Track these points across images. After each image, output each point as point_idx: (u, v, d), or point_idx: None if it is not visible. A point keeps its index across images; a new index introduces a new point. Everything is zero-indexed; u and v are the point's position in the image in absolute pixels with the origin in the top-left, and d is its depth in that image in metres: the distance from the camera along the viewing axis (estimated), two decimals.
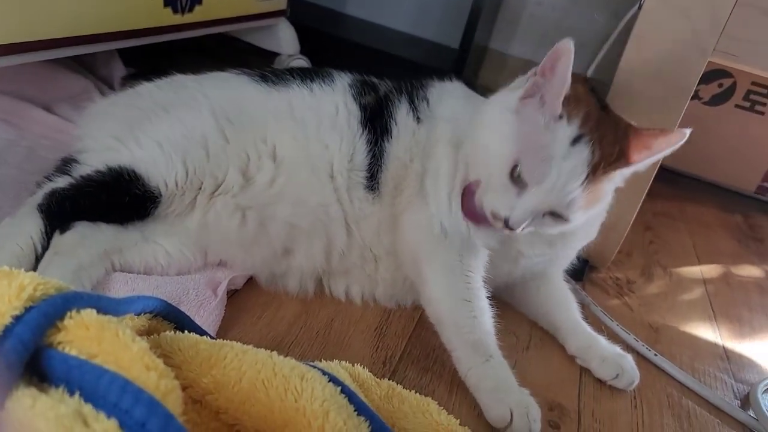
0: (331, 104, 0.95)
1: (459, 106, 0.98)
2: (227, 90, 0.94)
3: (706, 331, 1.16)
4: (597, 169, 0.80)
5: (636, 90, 1.08)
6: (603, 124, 0.82)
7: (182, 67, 1.00)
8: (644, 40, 1.06)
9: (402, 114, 0.96)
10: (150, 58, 1.41)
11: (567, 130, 0.80)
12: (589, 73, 1.85)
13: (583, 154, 0.80)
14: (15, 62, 0.95)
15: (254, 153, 0.89)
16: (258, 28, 1.60)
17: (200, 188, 0.87)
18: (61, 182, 0.82)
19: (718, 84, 1.78)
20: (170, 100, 0.92)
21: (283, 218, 0.90)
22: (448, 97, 1.00)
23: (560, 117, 0.80)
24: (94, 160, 0.84)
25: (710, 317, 1.21)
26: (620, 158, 0.82)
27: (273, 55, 1.67)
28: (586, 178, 0.80)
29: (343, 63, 1.07)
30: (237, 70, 0.99)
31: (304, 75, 0.98)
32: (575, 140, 0.80)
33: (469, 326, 0.84)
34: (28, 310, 0.43)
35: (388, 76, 1.05)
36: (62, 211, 0.79)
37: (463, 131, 0.92)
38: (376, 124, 0.95)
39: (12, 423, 0.36)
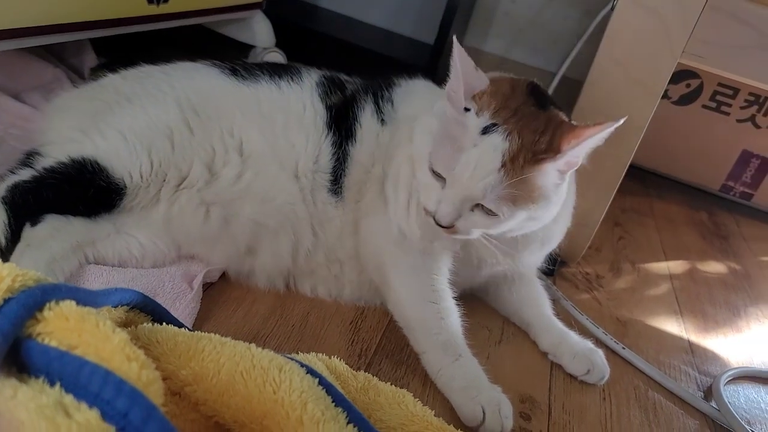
0: (299, 103, 0.94)
1: (422, 106, 0.93)
2: (194, 81, 0.93)
3: (672, 326, 1.19)
4: (516, 159, 0.77)
5: (608, 89, 1.10)
6: (526, 117, 0.79)
7: (156, 58, 0.99)
8: (616, 40, 1.08)
9: (366, 116, 0.95)
10: (124, 48, 1.39)
11: (475, 120, 0.78)
12: (562, 70, 1.88)
13: (494, 141, 0.77)
14: None
15: (221, 147, 0.88)
16: (233, 20, 1.58)
17: (165, 180, 0.86)
18: (24, 175, 0.80)
19: (686, 84, 1.82)
20: (135, 90, 0.90)
21: (247, 216, 0.89)
22: (412, 96, 1.00)
23: (466, 109, 0.79)
24: (57, 153, 0.83)
25: (676, 312, 1.24)
26: (548, 150, 0.78)
27: (248, 48, 1.66)
28: (503, 166, 0.76)
29: (319, 57, 1.07)
30: (207, 61, 0.98)
31: (273, 71, 0.97)
32: (486, 129, 0.77)
33: (437, 327, 0.85)
34: (6, 301, 0.43)
35: (362, 71, 1.04)
36: (26, 204, 0.78)
37: None
38: (341, 126, 0.94)
39: None
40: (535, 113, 0.81)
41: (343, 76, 1.02)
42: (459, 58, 0.78)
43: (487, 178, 0.76)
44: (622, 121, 0.77)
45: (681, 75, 1.80)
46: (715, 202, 1.92)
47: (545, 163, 0.77)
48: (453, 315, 0.88)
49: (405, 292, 0.89)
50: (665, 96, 1.81)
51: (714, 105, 1.83)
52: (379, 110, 0.96)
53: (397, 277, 0.90)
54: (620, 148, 1.13)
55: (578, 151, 0.78)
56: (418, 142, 0.85)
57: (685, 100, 1.84)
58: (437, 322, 0.86)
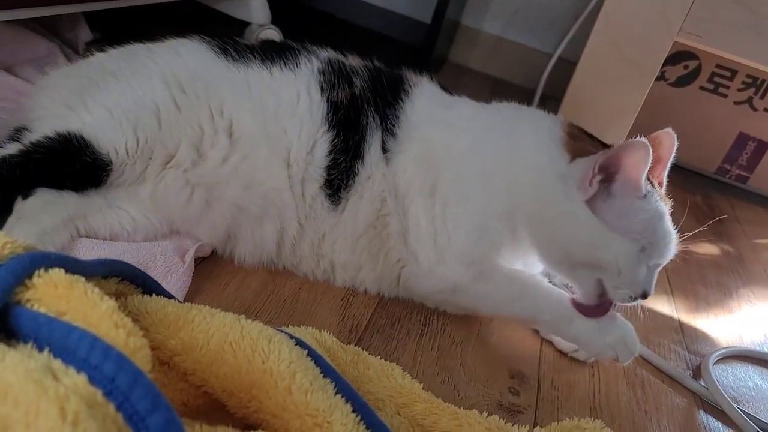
0: (292, 90, 0.91)
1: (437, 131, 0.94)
2: (180, 57, 0.91)
3: (663, 305, 1.20)
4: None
5: (602, 68, 1.10)
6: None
7: (149, 34, 0.99)
8: (612, 19, 1.08)
9: (376, 144, 0.92)
10: (117, 24, 1.38)
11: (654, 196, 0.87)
12: (558, 51, 1.87)
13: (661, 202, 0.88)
14: None
15: (209, 126, 0.87)
16: None
17: (151, 158, 0.85)
18: (12, 149, 0.80)
19: (683, 66, 1.82)
20: (120, 67, 0.89)
21: (230, 200, 0.88)
22: (426, 120, 0.95)
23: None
24: (43, 127, 0.83)
25: (667, 292, 1.25)
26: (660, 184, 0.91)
27: (244, 25, 1.65)
28: None
29: (314, 35, 1.06)
30: (196, 36, 0.96)
31: (265, 55, 0.93)
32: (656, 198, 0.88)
33: (537, 312, 0.92)
34: None
35: (358, 49, 1.02)
36: (14, 178, 0.78)
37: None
38: (349, 136, 0.90)
39: None
40: None
41: (350, 63, 0.97)
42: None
43: None
44: None
45: (679, 56, 1.79)
46: (711, 184, 1.92)
47: None
48: (534, 286, 0.92)
49: (490, 304, 0.93)
50: (662, 77, 1.80)
51: (712, 87, 1.83)
52: (387, 137, 0.92)
53: (474, 300, 0.93)
54: (613, 129, 1.13)
55: None
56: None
57: (683, 81, 1.84)
58: (533, 309, 0.92)
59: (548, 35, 2.07)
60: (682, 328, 1.15)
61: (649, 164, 0.81)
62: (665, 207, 0.88)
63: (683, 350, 1.08)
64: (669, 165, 0.92)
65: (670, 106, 1.84)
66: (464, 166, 0.91)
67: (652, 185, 0.88)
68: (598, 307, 0.89)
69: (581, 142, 0.90)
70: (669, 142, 0.90)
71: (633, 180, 0.83)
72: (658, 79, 1.09)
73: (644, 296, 0.87)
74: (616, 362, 0.90)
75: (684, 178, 1.90)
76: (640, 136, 0.81)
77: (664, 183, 0.93)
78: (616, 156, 0.82)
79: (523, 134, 0.94)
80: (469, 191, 0.91)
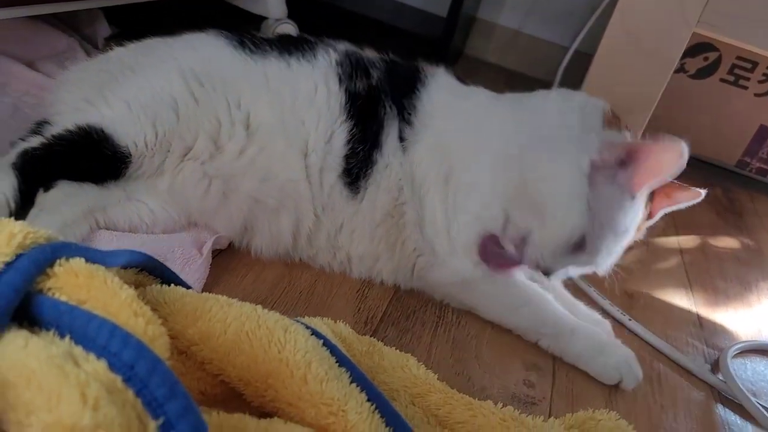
0: (309, 82, 0.91)
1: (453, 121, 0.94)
2: (199, 51, 0.92)
3: (681, 299, 1.19)
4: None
5: (619, 61, 1.10)
6: None
7: (166, 29, 0.99)
8: (629, 10, 1.07)
9: (393, 134, 0.92)
10: (136, 19, 1.39)
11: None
12: (576, 44, 1.86)
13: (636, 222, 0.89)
14: None
15: (227, 119, 0.87)
16: None
17: (169, 151, 0.86)
18: (34, 142, 0.81)
19: (703, 57, 1.79)
20: (139, 61, 0.91)
21: (247, 192, 0.88)
22: (441, 109, 0.95)
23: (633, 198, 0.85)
24: (64, 121, 0.84)
25: (685, 285, 1.24)
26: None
27: (260, 20, 1.65)
28: None
29: (330, 28, 1.06)
30: (214, 30, 0.96)
31: (282, 48, 0.94)
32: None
33: (539, 323, 0.92)
34: (18, 257, 0.44)
35: (374, 43, 1.03)
36: (36, 171, 0.79)
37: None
38: (367, 126, 0.91)
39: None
40: None
41: (367, 56, 0.97)
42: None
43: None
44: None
45: (698, 48, 1.77)
46: (731, 177, 1.90)
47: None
48: (540, 299, 0.93)
49: (492, 307, 0.94)
50: (682, 70, 1.78)
51: (732, 79, 1.80)
52: (404, 126, 0.93)
53: (477, 300, 0.95)
54: (631, 122, 1.12)
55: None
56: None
57: (703, 73, 1.81)
58: (535, 319, 0.92)
59: (565, 28, 2.06)
60: (700, 321, 1.14)
61: (665, 177, 0.81)
62: (633, 230, 0.88)
63: (701, 344, 1.07)
64: (673, 208, 0.92)
65: (690, 99, 1.82)
66: (476, 156, 0.92)
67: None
68: (502, 260, 0.89)
69: (621, 126, 0.91)
70: (692, 196, 0.91)
71: (640, 179, 0.83)
72: (677, 71, 1.08)
73: (546, 273, 0.87)
74: (620, 387, 0.90)
75: (703, 172, 1.88)
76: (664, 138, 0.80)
77: (655, 218, 0.93)
78: (645, 149, 0.82)
79: (543, 104, 0.94)
80: (479, 181, 0.91)
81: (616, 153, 0.83)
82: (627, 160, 0.84)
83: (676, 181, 0.89)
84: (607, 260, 0.88)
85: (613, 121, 0.89)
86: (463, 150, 0.92)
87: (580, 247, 0.85)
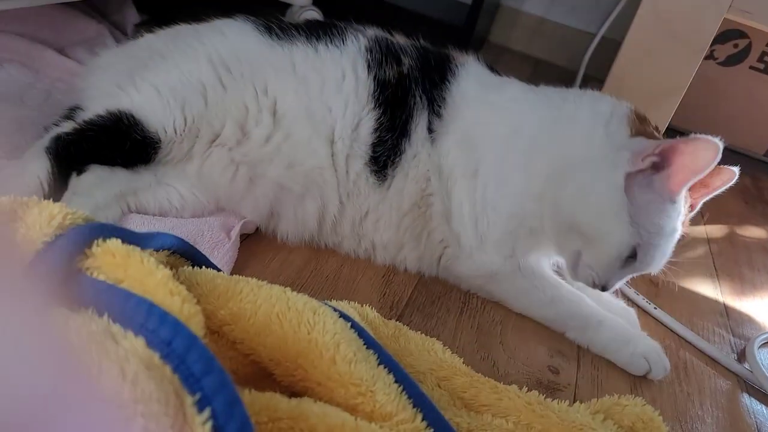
0: (337, 68, 0.91)
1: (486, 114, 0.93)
2: (226, 37, 0.92)
3: (707, 288, 1.18)
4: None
5: (649, 46, 1.08)
6: None
7: (194, 15, 1.00)
8: None
9: (423, 124, 0.92)
10: (163, 5, 1.41)
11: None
12: (602, 31, 1.84)
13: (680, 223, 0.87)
14: (30, 4, 0.95)
15: (254, 105, 0.88)
16: None
17: (197, 136, 0.87)
18: (66, 127, 0.83)
19: (733, 44, 1.77)
20: (168, 47, 0.91)
21: (272, 178, 0.89)
22: (470, 100, 0.94)
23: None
24: (95, 106, 0.85)
25: (712, 275, 1.23)
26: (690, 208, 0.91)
27: (285, 6, 1.66)
28: None
29: (355, 15, 1.06)
30: (242, 16, 0.96)
31: (310, 33, 0.94)
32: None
33: (567, 314, 0.92)
34: (58, 237, 0.45)
35: (398, 29, 1.02)
36: (68, 154, 0.81)
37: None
38: (396, 114, 0.90)
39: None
40: None
41: (398, 42, 0.96)
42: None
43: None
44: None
45: (728, 34, 1.74)
46: (760, 167, 1.87)
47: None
48: (567, 292, 0.93)
49: (519, 300, 0.95)
50: (711, 57, 1.75)
51: (762, 66, 1.77)
52: (433, 118, 0.92)
53: (506, 294, 0.95)
54: (659, 109, 1.11)
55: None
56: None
57: (732, 60, 1.79)
58: (562, 312, 0.92)
59: (591, 15, 2.03)
60: (726, 311, 1.13)
61: (703, 174, 0.80)
62: (680, 227, 0.87)
63: (727, 333, 1.06)
64: (712, 195, 0.90)
65: (719, 86, 1.79)
66: (506, 150, 0.91)
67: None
68: None
69: (648, 126, 0.89)
70: (728, 177, 0.88)
71: (677, 179, 0.82)
72: (706, 58, 1.06)
73: (603, 289, 0.89)
74: (648, 377, 0.89)
75: (733, 161, 1.85)
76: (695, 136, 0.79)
77: (696, 208, 0.92)
78: (679, 148, 0.81)
79: (574, 112, 0.92)
80: (510, 176, 0.90)
81: (649, 159, 0.82)
82: (661, 163, 0.83)
83: None
84: (660, 261, 0.88)
85: (639, 125, 0.88)
86: (494, 145, 0.91)
87: (632, 257, 0.85)
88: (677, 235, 0.87)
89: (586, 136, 0.88)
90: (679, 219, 0.86)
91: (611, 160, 0.84)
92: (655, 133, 0.88)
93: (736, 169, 0.87)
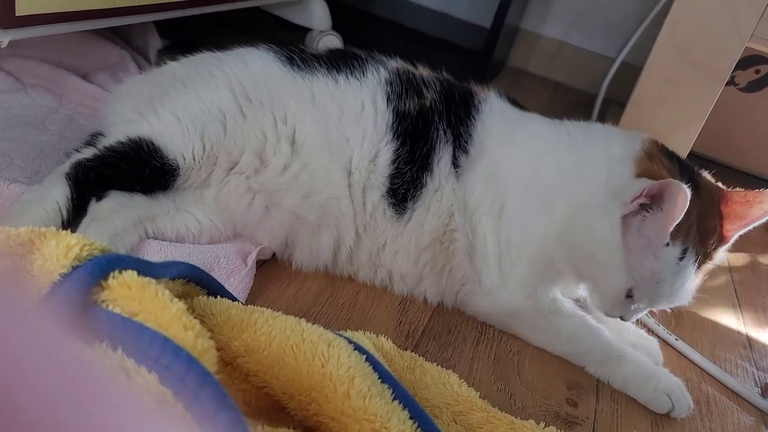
0: (356, 101, 0.91)
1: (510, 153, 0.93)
2: (247, 67, 0.93)
3: (730, 319, 1.16)
4: (702, 263, 0.86)
5: (669, 73, 1.07)
6: (703, 224, 0.85)
7: (215, 42, 1.02)
8: (680, 24, 1.05)
9: (447, 158, 0.91)
10: (187, 31, 1.43)
11: (673, 251, 0.83)
12: (622, 56, 1.83)
13: (689, 267, 0.84)
14: (55, 31, 0.97)
15: (273, 134, 0.88)
16: (290, 2, 1.60)
17: (215, 164, 0.87)
18: (87, 153, 0.84)
19: (755, 70, 1.75)
20: (189, 75, 0.92)
21: (288, 207, 0.89)
22: (497, 141, 0.94)
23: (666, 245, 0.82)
24: (116, 133, 0.86)
25: (734, 305, 1.20)
26: (718, 247, 0.88)
27: (305, 31, 1.68)
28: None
29: (374, 40, 1.06)
30: (264, 45, 0.97)
31: (331, 64, 0.94)
32: (681, 257, 0.83)
33: (586, 347, 0.91)
34: (74, 268, 0.45)
35: (417, 54, 1.03)
36: (88, 181, 0.82)
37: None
38: (416, 147, 0.90)
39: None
40: (705, 213, 0.86)
41: (420, 75, 0.96)
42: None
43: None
44: None
45: (750, 60, 1.73)
46: None
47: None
48: (587, 328, 0.91)
49: (539, 336, 0.93)
50: (732, 82, 1.74)
51: None
52: (459, 153, 0.92)
53: (525, 330, 0.94)
54: (680, 135, 1.10)
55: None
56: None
57: (754, 86, 1.77)
58: (582, 347, 0.91)
59: (611, 39, 2.03)
60: (750, 343, 1.10)
61: (682, 215, 0.77)
62: (691, 265, 0.84)
63: (751, 366, 1.04)
64: (750, 227, 0.87)
65: (740, 113, 1.78)
66: (529, 190, 0.91)
67: (703, 240, 0.85)
68: None
69: (657, 164, 0.87)
70: (763, 206, 0.85)
71: (662, 222, 0.80)
72: (727, 83, 1.05)
73: (622, 319, 0.89)
74: (671, 416, 0.87)
75: (755, 187, 1.82)
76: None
77: (731, 240, 0.89)
78: (658, 190, 0.79)
79: (589, 153, 0.92)
80: (533, 216, 0.90)
81: (637, 201, 0.81)
82: (651, 205, 0.82)
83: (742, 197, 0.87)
84: (673, 299, 0.87)
85: (647, 163, 0.87)
86: (517, 185, 0.91)
87: (632, 291, 0.85)
88: (685, 272, 0.84)
89: (595, 179, 0.88)
90: (677, 258, 0.83)
91: (608, 208, 0.84)
92: (664, 171, 0.86)
93: None
